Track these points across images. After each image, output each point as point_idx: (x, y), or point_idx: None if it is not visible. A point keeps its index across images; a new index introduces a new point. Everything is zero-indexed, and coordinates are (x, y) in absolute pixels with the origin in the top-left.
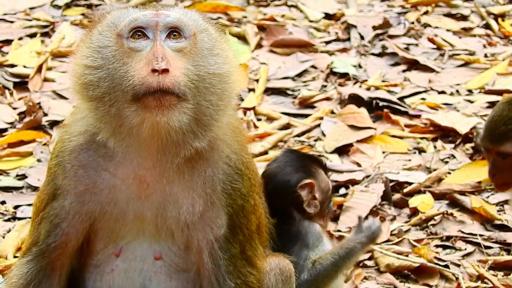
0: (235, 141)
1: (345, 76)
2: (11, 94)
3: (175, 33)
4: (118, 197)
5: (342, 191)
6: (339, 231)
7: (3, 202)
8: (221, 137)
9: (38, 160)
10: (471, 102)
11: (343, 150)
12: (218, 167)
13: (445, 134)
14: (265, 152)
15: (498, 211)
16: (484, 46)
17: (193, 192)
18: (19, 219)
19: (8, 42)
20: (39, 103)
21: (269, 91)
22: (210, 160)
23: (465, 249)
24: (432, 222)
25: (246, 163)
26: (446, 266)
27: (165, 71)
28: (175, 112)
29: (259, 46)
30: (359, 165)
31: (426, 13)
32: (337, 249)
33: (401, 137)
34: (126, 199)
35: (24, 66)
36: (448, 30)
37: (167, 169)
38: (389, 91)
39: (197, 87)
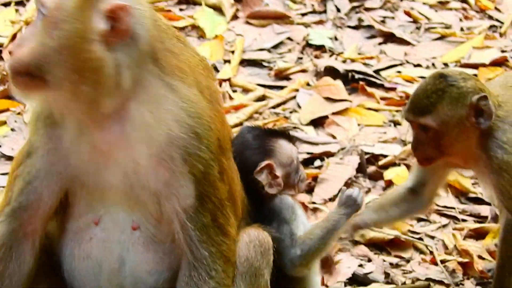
0: (186, 103)
1: (321, 48)
2: None
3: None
4: (86, 164)
5: (317, 163)
6: (314, 203)
7: None
8: (154, 102)
9: (12, 130)
10: None
11: (318, 122)
12: (169, 133)
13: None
14: (241, 124)
15: (472, 184)
16: (460, 20)
17: (150, 159)
18: None
19: None
20: None
21: (245, 63)
22: (158, 125)
23: (440, 222)
24: None
25: (205, 126)
26: (420, 239)
27: (17, 49)
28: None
29: (235, 17)
30: (334, 137)
31: None
32: (324, 222)
33: (376, 110)
34: (94, 167)
35: None
36: (424, 4)
37: (111, 134)
38: (365, 64)
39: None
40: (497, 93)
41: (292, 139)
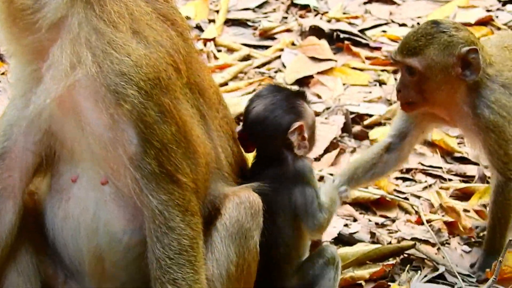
0: (110, 46)
1: (306, 7)
2: None
3: None
4: (50, 115)
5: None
6: None
7: None
8: (78, 45)
9: None
10: None
11: (303, 82)
12: (95, 74)
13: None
14: (225, 83)
15: (458, 143)
16: None
17: (89, 103)
18: None
19: None
20: None
21: (230, 22)
22: (84, 68)
23: (426, 181)
24: None
25: (132, 66)
26: (406, 199)
27: None
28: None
29: None
30: (319, 97)
31: None
32: (327, 189)
33: (361, 69)
34: (58, 119)
35: None
36: None
37: (48, 84)
38: (350, 23)
39: None
40: (492, 52)
41: (309, 102)
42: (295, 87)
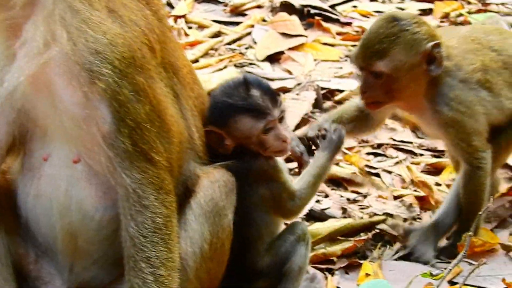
0: (86, 23)
1: None
2: None
3: None
4: (23, 94)
5: None
6: None
7: None
8: (52, 23)
9: None
10: (403, 9)
11: (274, 58)
12: (69, 52)
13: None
14: (196, 60)
15: None
16: None
17: (62, 81)
18: None
19: None
20: None
21: None
22: (58, 45)
23: (397, 156)
24: None
25: (106, 44)
26: (377, 174)
27: None
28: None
29: None
30: (290, 72)
31: None
32: (313, 169)
33: (332, 45)
34: (31, 97)
35: None
36: None
37: (21, 61)
38: None
39: None
40: (451, 44)
41: (262, 116)
42: (266, 63)
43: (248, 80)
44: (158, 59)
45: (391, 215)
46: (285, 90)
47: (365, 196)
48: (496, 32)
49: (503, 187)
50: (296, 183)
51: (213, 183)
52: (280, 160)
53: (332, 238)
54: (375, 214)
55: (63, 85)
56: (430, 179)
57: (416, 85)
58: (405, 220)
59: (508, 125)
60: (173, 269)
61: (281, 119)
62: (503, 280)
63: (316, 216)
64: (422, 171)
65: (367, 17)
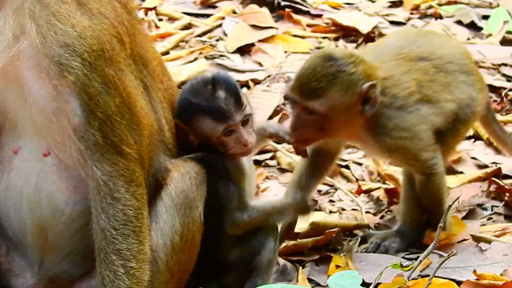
0: (54, 16)
1: None
2: None
3: None
4: None
5: (244, 91)
6: None
7: None
8: (22, 16)
9: None
10: (373, 1)
11: (245, 50)
12: (39, 45)
13: (347, 33)
14: (167, 52)
15: None
16: None
17: (36, 78)
18: None
19: None
20: None
21: None
22: (28, 38)
23: None
24: None
25: (75, 37)
26: (347, 166)
27: None
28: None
29: None
30: (261, 64)
31: None
32: (276, 203)
33: (303, 37)
34: (1, 90)
35: None
36: None
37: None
38: None
39: None
40: (387, 67)
41: (223, 120)
42: (236, 55)
43: (216, 80)
44: (128, 52)
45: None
46: (256, 82)
47: (336, 189)
48: (421, 35)
49: (474, 174)
50: (254, 201)
51: (184, 175)
52: (250, 167)
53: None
54: (343, 210)
55: (32, 78)
56: (397, 172)
57: (350, 124)
58: (375, 214)
59: (452, 124)
60: (144, 261)
61: (245, 122)
62: (474, 271)
63: None
64: (390, 163)
65: (338, 9)
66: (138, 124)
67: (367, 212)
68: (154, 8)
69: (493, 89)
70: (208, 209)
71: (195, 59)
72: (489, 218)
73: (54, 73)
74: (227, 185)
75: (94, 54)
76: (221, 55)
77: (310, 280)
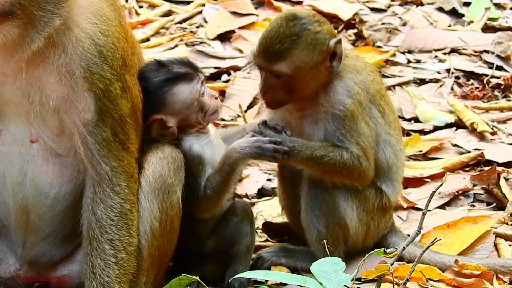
0: (93, 23)
1: None
2: None
3: None
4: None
5: (225, 77)
6: (223, 119)
7: None
8: (70, 23)
9: None
10: None
11: (225, 37)
12: (72, 52)
13: (328, 20)
14: (147, 39)
15: None
16: None
17: (52, 77)
18: None
19: None
20: None
21: None
22: (63, 45)
23: None
24: None
25: (110, 45)
26: None
27: None
28: (5, 28)
29: None
30: (241, 51)
31: None
32: (221, 166)
33: None
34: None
35: None
36: None
37: (19, 63)
38: None
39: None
40: None
41: (194, 77)
42: (217, 42)
43: (159, 59)
44: (134, 57)
45: None
46: (236, 68)
47: None
48: None
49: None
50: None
51: (162, 160)
52: (218, 144)
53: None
54: None
55: (50, 80)
56: None
57: (318, 81)
58: None
59: None
60: (132, 254)
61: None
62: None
63: (267, 194)
64: None
65: None
66: (137, 121)
67: None
68: None
69: (474, 76)
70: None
71: (176, 46)
72: (472, 206)
73: (75, 76)
74: (188, 177)
75: (119, 61)
76: (202, 42)
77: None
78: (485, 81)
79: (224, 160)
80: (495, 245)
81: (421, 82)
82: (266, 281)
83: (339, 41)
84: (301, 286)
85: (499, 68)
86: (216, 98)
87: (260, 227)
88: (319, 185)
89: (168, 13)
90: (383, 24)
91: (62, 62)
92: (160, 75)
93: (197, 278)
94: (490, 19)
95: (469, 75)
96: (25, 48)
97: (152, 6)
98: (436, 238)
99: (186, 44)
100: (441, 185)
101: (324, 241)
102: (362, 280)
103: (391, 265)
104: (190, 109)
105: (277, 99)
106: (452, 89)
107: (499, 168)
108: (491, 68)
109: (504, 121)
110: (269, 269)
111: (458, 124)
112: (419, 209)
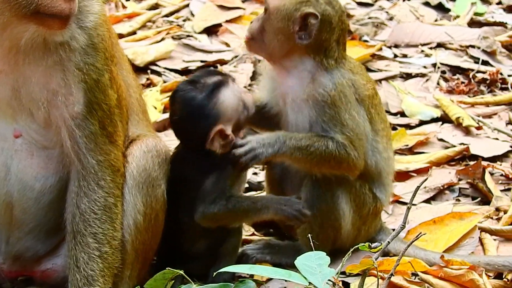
0: (85, 16)
1: None
2: None
3: None
4: None
5: None
6: None
7: None
8: None
9: None
10: None
11: (212, 30)
12: (64, 44)
13: None
14: (134, 32)
15: None
16: None
17: (43, 71)
18: None
19: None
20: None
21: None
22: (53, 38)
23: None
24: None
25: (101, 36)
26: None
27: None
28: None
29: None
30: (228, 45)
31: None
32: (257, 199)
33: None
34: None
35: None
36: None
37: (15, 57)
38: None
39: None
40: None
41: (228, 80)
42: (203, 36)
43: (187, 79)
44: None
45: None
46: (223, 62)
47: None
48: None
49: (442, 152)
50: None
51: (146, 153)
52: None
53: None
54: None
55: (41, 74)
56: None
57: (282, 45)
58: None
59: None
60: (116, 248)
61: None
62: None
63: (253, 188)
64: None
65: None
66: (122, 111)
67: None
68: None
69: (460, 70)
70: (178, 197)
71: (162, 39)
72: (457, 200)
73: (68, 69)
74: (215, 179)
75: (107, 52)
76: (188, 35)
77: None
78: (471, 76)
79: (261, 199)
80: (480, 239)
81: (407, 76)
82: (251, 276)
83: (315, 16)
84: (285, 280)
85: (485, 63)
86: (246, 93)
87: None
88: (322, 186)
89: (154, 6)
90: (369, 18)
91: (53, 55)
92: (202, 91)
93: (182, 272)
94: (476, 14)
95: (455, 69)
96: (13, 42)
97: None
98: (421, 233)
99: (173, 38)
100: (427, 179)
101: (309, 235)
102: (347, 274)
103: (375, 260)
104: (239, 109)
105: (253, 34)
106: (438, 83)
107: (484, 163)
108: (477, 63)
109: (489, 116)
110: None
111: (444, 119)
112: (404, 203)
